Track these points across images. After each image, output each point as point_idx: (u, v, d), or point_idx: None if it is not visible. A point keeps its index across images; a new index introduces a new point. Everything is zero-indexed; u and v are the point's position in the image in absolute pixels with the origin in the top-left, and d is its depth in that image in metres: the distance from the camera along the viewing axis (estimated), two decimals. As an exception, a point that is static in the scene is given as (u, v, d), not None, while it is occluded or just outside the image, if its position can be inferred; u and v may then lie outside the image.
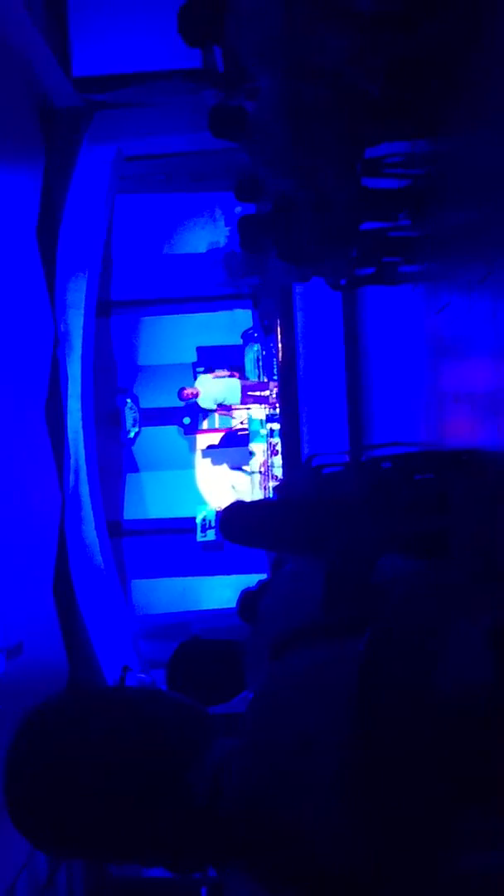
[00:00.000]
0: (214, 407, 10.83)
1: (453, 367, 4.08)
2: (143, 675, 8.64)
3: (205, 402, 10.88)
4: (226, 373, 10.81)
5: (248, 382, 10.70)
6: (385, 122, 3.84)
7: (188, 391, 10.86)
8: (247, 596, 3.70)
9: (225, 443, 10.97)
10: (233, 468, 10.94)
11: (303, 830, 0.96)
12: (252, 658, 2.14)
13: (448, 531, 2.25)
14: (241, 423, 10.74)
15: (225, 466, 10.93)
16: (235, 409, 10.75)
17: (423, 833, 0.91)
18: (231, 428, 10.89)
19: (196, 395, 10.85)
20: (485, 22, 2.97)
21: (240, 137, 4.19)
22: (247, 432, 10.65)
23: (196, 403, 10.87)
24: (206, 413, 11.03)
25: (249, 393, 10.52)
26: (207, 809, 1.03)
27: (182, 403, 10.86)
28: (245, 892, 1.03)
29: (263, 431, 10.38)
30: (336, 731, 0.97)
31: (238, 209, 9.86)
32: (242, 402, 10.64)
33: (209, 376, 10.90)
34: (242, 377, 10.79)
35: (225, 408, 10.75)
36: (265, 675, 1.21)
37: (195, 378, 11.04)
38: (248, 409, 10.57)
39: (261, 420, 10.44)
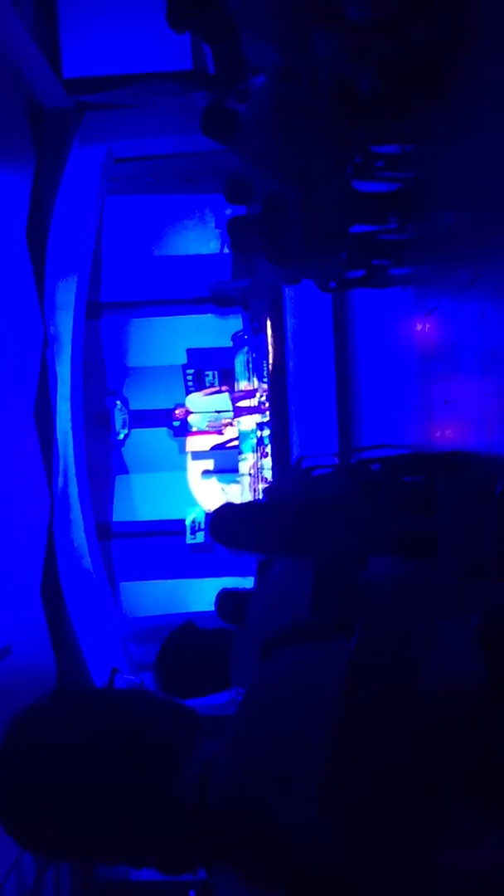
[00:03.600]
0: (206, 427, 10.87)
1: (442, 369, 4.10)
2: (131, 678, 8.63)
3: (197, 421, 10.94)
4: (214, 388, 10.85)
5: (237, 393, 10.72)
6: (374, 125, 3.86)
7: (180, 411, 10.89)
8: (226, 595, 3.70)
9: (215, 448, 11.01)
10: (221, 471, 10.96)
11: (290, 830, 0.96)
12: (239, 656, 2.14)
13: (435, 532, 2.26)
14: (232, 430, 10.78)
15: (213, 472, 10.96)
16: (226, 426, 10.79)
17: (410, 832, 0.92)
18: (220, 433, 10.92)
19: (188, 415, 10.89)
20: (472, 27, 2.99)
21: (231, 139, 4.20)
22: (237, 444, 10.69)
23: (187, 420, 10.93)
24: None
25: (238, 405, 10.54)
26: (196, 810, 1.04)
27: (177, 423, 10.90)
28: (233, 892, 1.03)
29: (253, 439, 10.41)
30: (323, 731, 0.97)
31: (228, 211, 9.88)
32: (235, 416, 10.67)
33: (199, 394, 10.92)
34: (231, 390, 10.81)
35: (217, 430, 10.79)
36: (253, 676, 1.21)
37: (185, 381, 11.04)
38: (239, 421, 10.60)
39: (251, 430, 10.48)
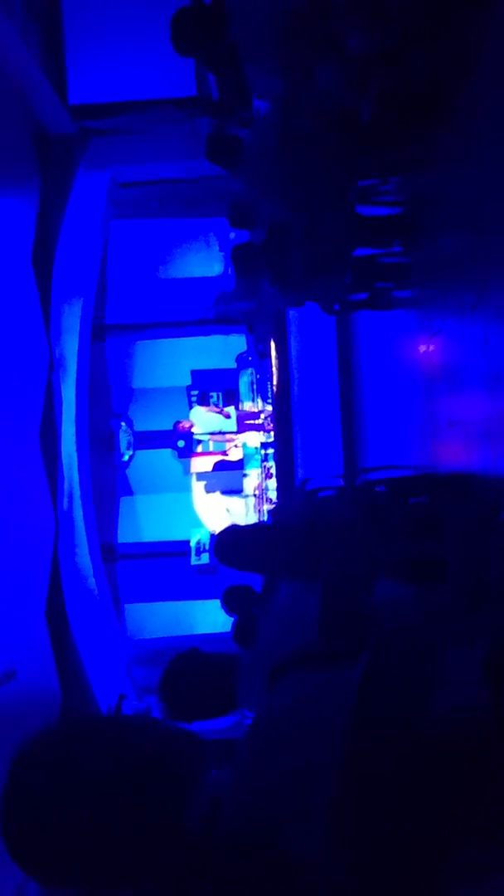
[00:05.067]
0: (209, 439, 10.88)
1: (446, 391, 4.11)
2: (138, 704, 8.57)
3: (201, 435, 10.95)
4: (218, 409, 10.88)
5: (242, 412, 10.74)
6: (377, 152, 3.90)
7: (183, 424, 10.91)
8: (232, 590, 3.70)
9: (218, 468, 11.00)
10: (226, 493, 10.95)
11: (298, 858, 0.96)
12: (247, 680, 2.14)
13: (441, 557, 2.26)
14: (236, 452, 10.78)
15: (218, 491, 10.95)
16: (230, 438, 10.80)
17: (420, 862, 0.91)
18: (225, 454, 10.92)
19: (191, 428, 10.91)
20: (473, 56, 3.03)
21: (235, 165, 4.25)
22: (241, 459, 10.69)
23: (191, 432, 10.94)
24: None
25: (246, 422, 10.57)
26: (203, 839, 1.03)
27: (182, 444, 10.92)
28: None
29: (258, 458, 10.41)
30: (331, 760, 0.97)
31: (232, 235, 9.95)
32: (239, 431, 10.68)
33: (203, 409, 10.94)
34: (237, 408, 10.83)
35: (221, 452, 10.79)
36: (261, 703, 1.21)
37: (189, 402, 11.07)
38: (244, 437, 10.60)
39: (256, 447, 10.48)
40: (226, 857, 1.01)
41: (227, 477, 10.93)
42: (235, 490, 10.86)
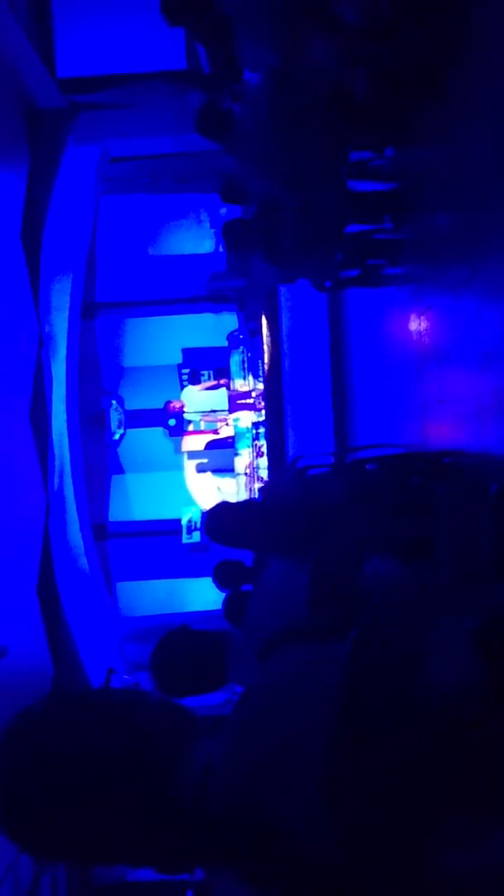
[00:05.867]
0: (199, 419, 10.86)
1: (437, 368, 4.11)
2: (127, 678, 8.63)
3: (192, 415, 10.92)
4: (213, 383, 10.83)
5: (234, 392, 10.71)
6: (370, 127, 3.87)
7: (174, 404, 10.88)
8: (223, 564, 3.74)
9: (210, 446, 11.00)
10: (217, 472, 10.96)
11: (288, 830, 0.96)
12: (237, 656, 2.15)
13: (432, 533, 2.27)
14: (227, 429, 10.77)
15: (209, 472, 10.95)
16: (222, 424, 10.78)
17: (409, 833, 0.92)
18: (216, 432, 10.91)
19: (182, 408, 10.88)
20: (466, 31, 3.00)
21: (226, 139, 4.20)
22: (232, 439, 10.69)
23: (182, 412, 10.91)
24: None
25: (238, 402, 10.55)
26: (194, 810, 1.04)
27: (173, 422, 10.90)
28: (232, 893, 1.03)
29: (249, 437, 10.41)
30: (322, 732, 0.97)
31: (223, 211, 9.87)
32: (231, 410, 10.66)
33: (195, 388, 10.91)
34: (229, 386, 10.80)
35: (213, 430, 10.78)
36: (252, 677, 1.21)
37: (180, 380, 11.04)
38: (236, 416, 10.59)
39: (247, 426, 10.48)
40: (216, 829, 1.02)
41: (218, 456, 10.94)
42: (227, 469, 10.87)
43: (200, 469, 11.03)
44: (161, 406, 11.04)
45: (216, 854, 1.04)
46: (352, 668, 0.99)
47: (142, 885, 8.05)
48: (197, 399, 10.87)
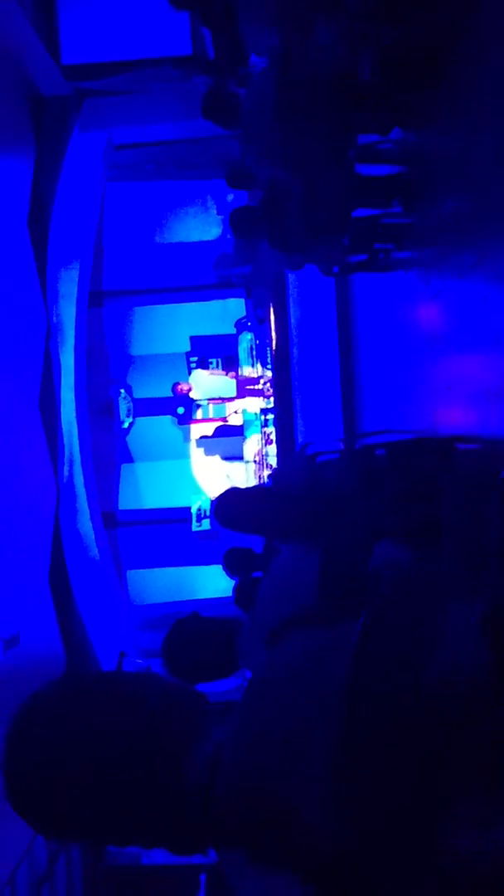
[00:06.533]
0: (207, 404, 10.85)
1: (445, 353, 4.09)
2: (139, 661, 8.68)
3: (199, 400, 10.91)
4: (221, 372, 10.81)
5: (243, 378, 10.69)
6: (376, 110, 3.83)
7: (182, 386, 10.86)
8: (232, 551, 3.76)
9: (218, 433, 10.99)
10: (226, 459, 10.96)
11: (297, 812, 0.97)
12: (247, 642, 2.16)
13: (440, 519, 2.27)
14: (236, 414, 10.76)
15: (218, 457, 10.95)
16: (231, 413, 10.78)
17: (417, 815, 0.93)
18: (225, 420, 10.91)
19: (189, 391, 10.87)
20: (473, 14, 2.96)
21: (232, 124, 4.18)
22: (241, 425, 10.69)
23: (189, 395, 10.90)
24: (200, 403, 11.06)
25: (246, 388, 10.53)
26: (204, 792, 1.05)
27: (181, 410, 10.89)
28: (243, 874, 1.04)
29: (258, 423, 10.41)
30: (331, 716, 0.98)
31: (230, 197, 9.83)
32: (238, 396, 10.65)
33: (204, 372, 10.89)
34: (237, 375, 10.78)
35: (221, 419, 10.77)
36: (261, 662, 1.22)
37: (189, 368, 11.02)
38: (244, 401, 10.58)
39: (256, 413, 10.46)
40: (226, 810, 1.03)
41: (227, 443, 10.93)
42: (236, 456, 10.87)
43: (209, 454, 11.03)
44: (169, 394, 11.03)
45: (226, 836, 1.05)
46: (360, 653, 1.00)
47: (156, 868, 8.13)
48: (205, 382, 10.85)
